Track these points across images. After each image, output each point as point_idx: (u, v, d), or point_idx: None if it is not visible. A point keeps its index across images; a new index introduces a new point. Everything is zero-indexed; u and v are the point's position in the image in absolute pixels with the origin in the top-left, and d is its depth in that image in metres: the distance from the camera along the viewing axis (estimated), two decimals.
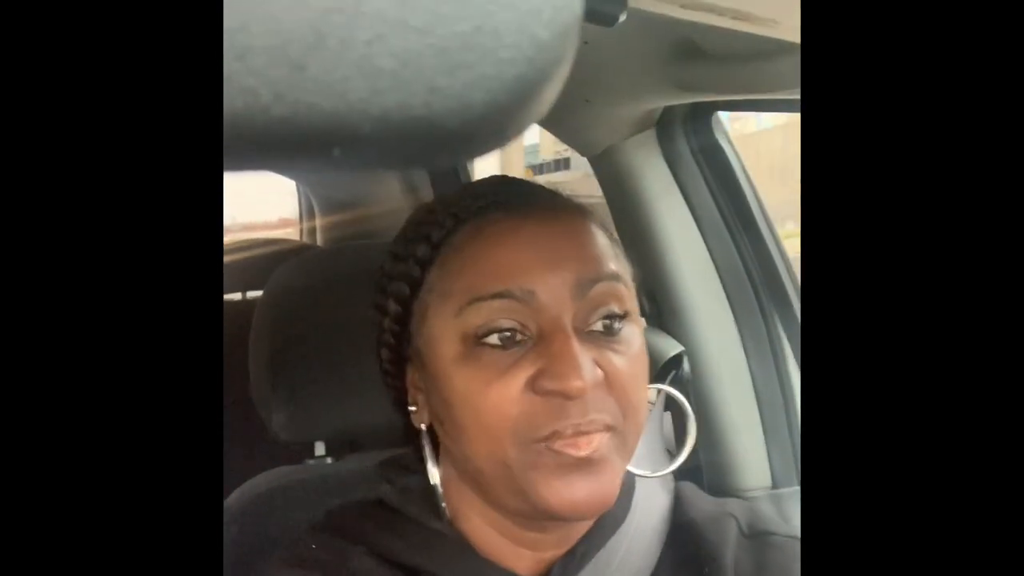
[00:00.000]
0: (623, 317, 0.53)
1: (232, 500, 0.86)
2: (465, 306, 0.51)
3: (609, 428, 0.51)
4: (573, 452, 0.50)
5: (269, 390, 0.84)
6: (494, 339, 0.51)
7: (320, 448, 0.93)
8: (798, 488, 1.06)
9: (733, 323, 1.06)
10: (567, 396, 0.49)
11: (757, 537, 0.61)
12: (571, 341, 0.50)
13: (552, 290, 0.51)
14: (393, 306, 0.57)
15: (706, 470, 1.07)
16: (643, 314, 1.14)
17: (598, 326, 0.52)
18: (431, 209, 0.58)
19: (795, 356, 1.07)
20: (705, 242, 1.05)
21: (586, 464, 0.50)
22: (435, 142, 0.17)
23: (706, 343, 1.04)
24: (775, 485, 1.06)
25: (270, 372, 0.84)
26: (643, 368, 0.54)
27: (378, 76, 0.15)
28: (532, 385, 0.50)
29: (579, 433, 0.50)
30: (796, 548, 0.61)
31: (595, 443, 0.50)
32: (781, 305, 1.06)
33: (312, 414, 0.84)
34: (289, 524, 0.82)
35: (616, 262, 0.55)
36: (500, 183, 0.59)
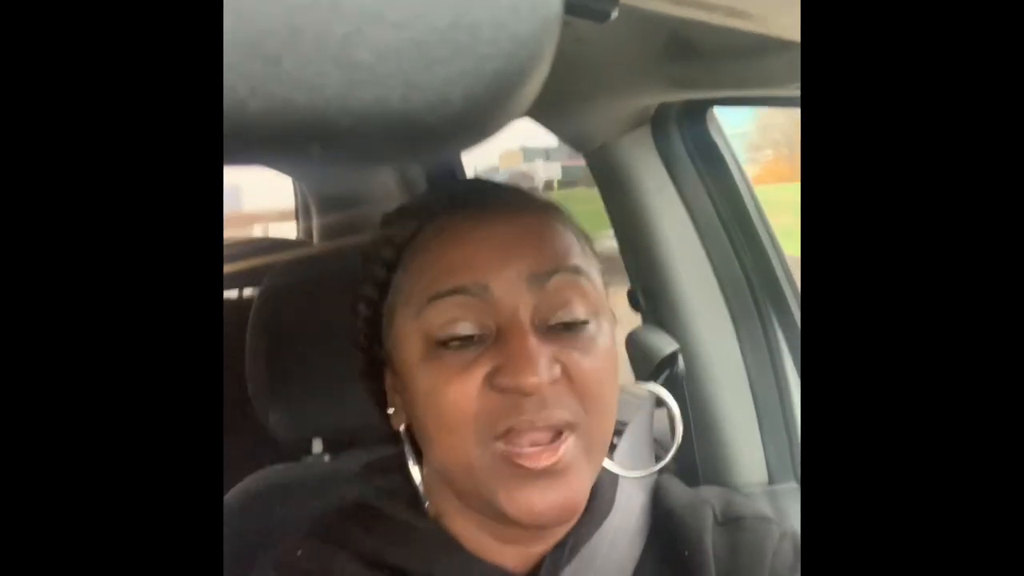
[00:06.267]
0: (586, 321, 0.53)
1: (230, 497, 0.86)
2: (424, 305, 0.52)
3: (569, 425, 0.50)
4: (532, 465, 0.49)
5: (266, 388, 0.84)
6: (454, 343, 0.51)
7: (318, 445, 0.93)
8: (794, 484, 1.06)
9: (728, 320, 1.06)
10: (522, 392, 0.49)
11: (730, 523, 0.62)
12: (527, 337, 0.50)
13: (506, 283, 0.51)
14: (364, 309, 0.58)
15: (702, 467, 1.07)
16: (638, 311, 1.14)
17: (560, 322, 0.52)
18: (398, 212, 0.58)
19: (791, 353, 1.07)
20: (700, 239, 1.05)
21: (548, 474, 0.50)
22: (414, 137, 0.17)
23: (701, 340, 1.04)
24: (771, 481, 1.06)
25: (267, 370, 0.84)
26: (610, 365, 0.54)
27: (355, 70, 0.15)
28: (490, 381, 0.50)
29: (535, 430, 0.49)
30: (766, 527, 0.62)
31: (559, 452, 0.50)
32: (776, 301, 1.06)
33: (309, 412, 0.85)
34: (286, 522, 0.82)
35: (581, 257, 0.54)
36: (469, 184, 0.60)
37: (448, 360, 0.51)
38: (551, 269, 0.52)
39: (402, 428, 0.58)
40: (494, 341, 0.51)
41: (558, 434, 0.50)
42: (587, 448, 0.52)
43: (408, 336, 0.53)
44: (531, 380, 0.48)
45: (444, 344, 0.51)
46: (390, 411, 0.59)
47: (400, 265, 0.55)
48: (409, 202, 0.59)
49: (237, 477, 0.88)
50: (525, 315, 0.51)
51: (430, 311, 0.51)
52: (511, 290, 0.51)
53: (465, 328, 0.51)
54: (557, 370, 0.50)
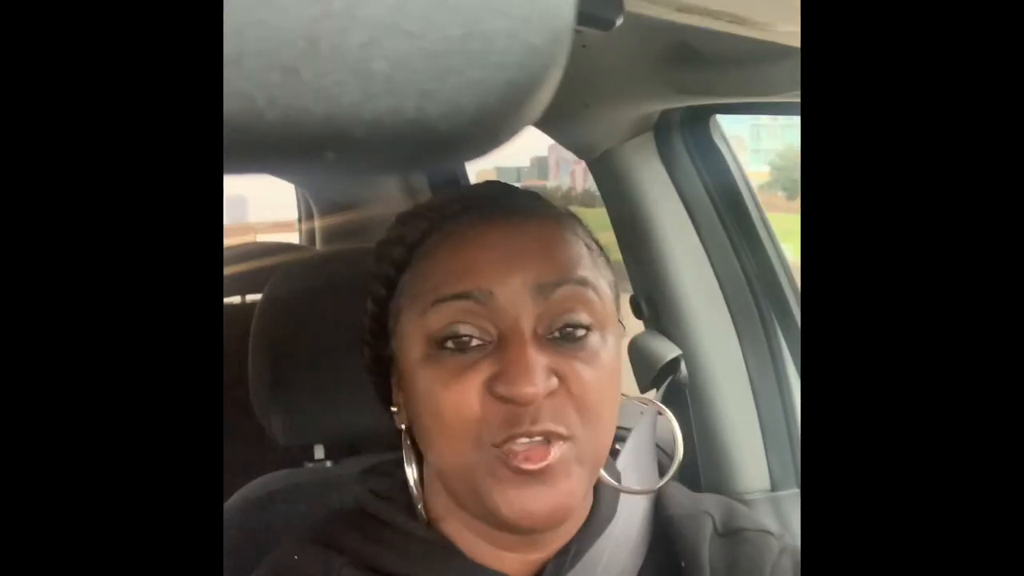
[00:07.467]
0: (589, 328, 0.52)
1: (231, 503, 0.86)
2: (429, 307, 0.52)
3: (564, 438, 0.50)
4: (527, 466, 0.49)
5: (268, 394, 0.84)
6: (451, 344, 0.51)
7: (319, 451, 0.93)
8: (796, 491, 1.06)
9: (731, 326, 1.06)
10: (518, 402, 0.49)
11: (730, 535, 0.61)
12: (526, 346, 0.50)
13: (511, 292, 0.51)
14: (371, 306, 0.58)
15: (704, 472, 1.07)
16: (641, 317, 1.14)
17: (561, 333, 0.52)
18: (413, 212, 0.58)
19: (793, 359, 1.07)
20: (703, 245, 1.05)
21: (541, 475, 0.50)
22: (427, 145, 0.17)
23: (704, 346, 1.04)
24: (773, 488, 1.06)
25: (269, 376, 0.84)
26: (611, 378, 0.53)
27: (371, 80, 0.16)
28: (489, 388, 0.50)
29: (530, 437, 0.49)
30: (766, 540, 0.61)
31: (551, 456, 0.50)
32: (779, 307, 1.06)
33: (311, 418, 0.84)
34: (288, 528, 0.82)
35: (590, 270, 0.54)
36: (485, 187, 0.59)
37: (447, 363, 0.51)
38: (557, 280, 0.51)
39: (403, 427, 0.58)
40: (495, 348, 0.51)
41: (551, 440, 0.50)
42: (579, 457, 0.51)
43: (411, 336, 0.53)
44: (527, 390, 0.48)
45: (444, 347, 0.51)
46: (393, 409, 0.59)
47: (409, 265, 0.55)
48: (424, 203, 0.59)
49: (238, 483, 0.88)
50: (527, 325, 0.51)
51: (433, 314, 0.52)
52: (515, 299, 0.51)
53: (466, 333, 0.51)
54: (554, 382, 0.50)
